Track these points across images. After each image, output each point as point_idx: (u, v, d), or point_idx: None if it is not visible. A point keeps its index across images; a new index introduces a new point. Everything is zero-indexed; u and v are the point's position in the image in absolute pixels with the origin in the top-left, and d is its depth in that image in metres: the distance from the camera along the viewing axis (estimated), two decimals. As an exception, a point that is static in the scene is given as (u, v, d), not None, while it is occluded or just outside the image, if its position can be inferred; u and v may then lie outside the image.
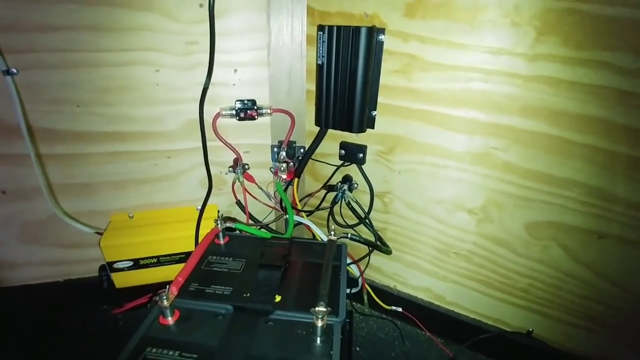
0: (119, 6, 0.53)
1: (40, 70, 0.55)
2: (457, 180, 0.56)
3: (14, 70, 0.53)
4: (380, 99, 0.58)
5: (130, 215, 0.66)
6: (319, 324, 0.41)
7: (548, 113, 0.47)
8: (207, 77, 0.54)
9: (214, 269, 0.52)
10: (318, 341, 0.42)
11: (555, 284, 0.55)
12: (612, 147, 0.45)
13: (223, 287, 0.48)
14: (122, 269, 0.62)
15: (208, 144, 0.61)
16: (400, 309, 0.67)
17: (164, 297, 0.43)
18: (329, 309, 0.42)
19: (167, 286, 0.45)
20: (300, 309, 0.45)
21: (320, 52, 0.55)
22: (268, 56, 0.60)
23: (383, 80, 0.56)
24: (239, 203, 0.69)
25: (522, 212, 0.53)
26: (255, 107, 0.62)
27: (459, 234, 0.60)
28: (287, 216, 0.63)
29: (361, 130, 0.58)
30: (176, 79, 0.59)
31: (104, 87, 0.58)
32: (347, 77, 0.54)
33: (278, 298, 0.47)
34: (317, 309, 0.41)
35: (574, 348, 0.58)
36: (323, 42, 0.54)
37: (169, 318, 0.43)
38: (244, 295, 0.47)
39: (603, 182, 0.47)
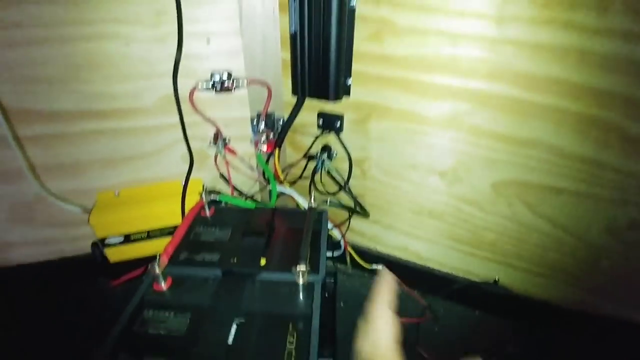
0: (79, -25, 0.51)
1: (5, 48, 0.53)
2: (429, 145, 0.59)
3: (-23, 48, 0.52)
4: (355, 67, 0.58)
5: (117, 192, 0.68)
6: (300, 281, 0.45)
7: (513, 76, 0.49)
8: (177, 49, 0.54)
9: (202, 238, 0.55)
10: (301, 297, 0.46)
11: (519, 237, 0.60)
12: (570, 107, 0.47)
13: (211, 255, 0.51)
14: (114, 244, 0.65)
15: (187, 118, 0.61)
16: (380, 267, 0.72)
17: (156, 265, 0.46)
18: (309, 267, 0.46)
19: (158, 255, 0.48)
20: (284, 270, 0.49)
21: (293, 19, 0.54)
22: (240, 25, 0.59)
23: (357, 46, 0.56)
24: (222, 176, 0.70)
25: (489, 173, 0.57)
26: (232, 79, 0.62)
27: (432, 196, 0.63)
28: (270, 187, 0.65)
29: (337, 97, 0.59)
30: (148, 53, 0.58)
31: (77, 63, 0.56)
32: (321, 45, 0.54)
33: (263, 262, 0.50)
34: (297, 268, 0.45)
35: (535, 294, 0.64)
36: (294, 10, 0.54)
37: (162, 284, 0.47)
38: (231, 260, 0.51)
39: (561, 140, 0.50)
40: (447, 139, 0.57)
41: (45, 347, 0.62)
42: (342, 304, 0.70)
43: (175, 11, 0.54)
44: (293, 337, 0.41)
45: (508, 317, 0.67)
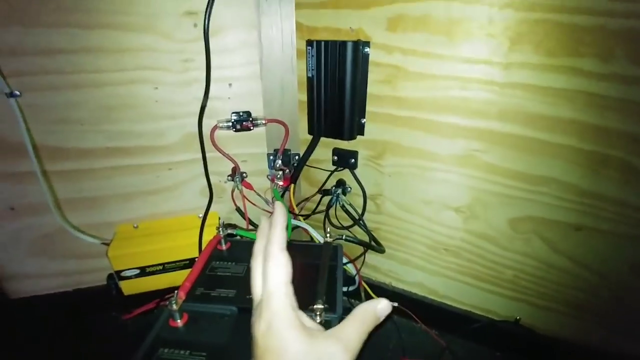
0: (118, 29, 0.56)
1: (44, 91, 0.57)
2: (443, 181, 0.60)
3: (17, 93, 0.55)
4: (368, 107, 0.61)
5: (135, 225, 0.69)
6: (317, 320, 0.44)
7: (523, 116, 0.50)
8: (204, 95, 0.57)
9: (218, 273, 0.55)
10: (317, 337, 0.45)
11: (539, 274, 0.59)
12: (583, 146, 0.48)
13: (227, 290, 0.51)
14: (129, 277, 0.65)
15: (207, 155, 0.64)
16: (396, 304, 0.70)
17: (173, 302, 0.46)
18: (326, 305, 0.45)
19: (176, 291, 0.48)
20: (300, 308, 0.48)
21: (310, 65, 0.58)
22: (260, 70, 0.63)
23: (370, 89, 0.60)
24: (238, 210, 0.72)
25: (505, 209, 0.57)
26: (251, 119, 0.65)
27: (448, 231, 0.63)
28: (285, 220, 0.66)
29: (352, 137, 0.62)
30: (174, 95, 0.62)
31: (107, 105, 0.61)
32: (336, 88, 0.58)
33: (279, 298, 0.50)
34: (314, 306, 0.44)
35: (559, 333, 0.62)
36: (312, 56, 0.57)
37: (178, 320, 0.47)
38: (248, 297, 0.50)
39: (575, 178, 0.50)
40: (462, 176, 0.58)
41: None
42: (357, 343, 0.68)
43: (200, 59, 0.58)
44: (310, 381, 0.40)
45: (531, 358, 0.64)
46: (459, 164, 0.57)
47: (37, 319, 0.71)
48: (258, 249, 0.29)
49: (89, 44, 0.56)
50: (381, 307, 0.29)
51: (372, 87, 0.59)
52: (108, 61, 0.58)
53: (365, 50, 0.57)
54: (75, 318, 0.71)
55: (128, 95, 0.61)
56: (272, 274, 0.27)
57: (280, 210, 0.30)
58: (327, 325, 0.46)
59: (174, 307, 0.46)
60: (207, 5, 0.52)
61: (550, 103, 0.48)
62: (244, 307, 0.49)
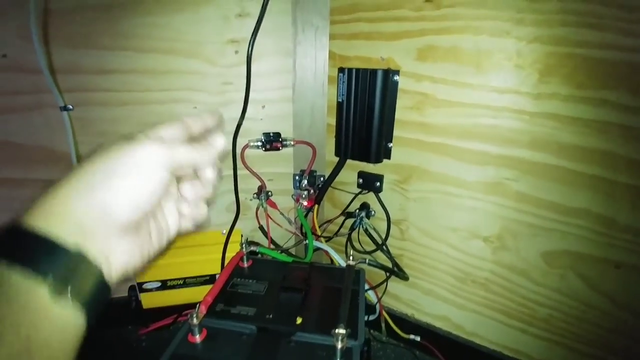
0: (167, 53, 0.62)
1: (94, 106, 0.62)
2: (471, 208, 0.59)
3: (70, 107, 0.61)
4: (395, 132, 0.62)
5: (161, 238, 0.70)
6: (339, 345, 0.43)
7: (555, 146, 0.50)
8: (241, 114, 0.61)
9: (239, 290, 0.54)
10: (338, 363, 0.43)
11: (576, 314, 0.55)
12: (618, 178, 0.47)
13: (247, 308, 0.51)
14: (150, 290, 0.65)
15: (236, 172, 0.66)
16: (418, 338, 0.67)
17: (194, 316, 0.46)
18: (348, 330, 0.43)
19: (197, 305, 0.48)
20: (321, 332, 0.46)
21: (341, 90, 0.61)
22: (293, 94, 0.67)
23: (398, 115, 0.61)
24: (261, 228, 0.72)
25: (538, 241, 0.55)
26: (280, 139, 0.67)
27: (476, 262, 0.61)
28: (307, 241, 0.66)
29: (378, 160, 0.62)
30: (211, 115, 0.66)
31: (148, 122, 0.64)
32: (365, 113, 0.60)
33: (299, 320, 0.48)
34: (337, 330, 0.43)
35: (600, 384, 0.56)
36: (343, 82, 0.60)
37: (197, 336, 0.46)
38: (267, 316, 0.49)
39: (612, 211, 0.48)
40: (491, 204, 0.57)
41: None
42: (375, 378, 0.64)
43: (238, 82, 0.62)
44: (331, 411, 0.38)
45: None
46: (488, 192, 0.56)
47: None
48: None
49: (139, 66, 0.62)
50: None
51: (400, 113, 0.61)
52: (155, 82, 0.63)
53: (395, 78, 0.59)
54: (91, 329, 0.71)
55: (169, 113, 0.65)
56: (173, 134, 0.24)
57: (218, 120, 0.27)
58: (348, 352, 0.45)
59: (195, 321, 0.46)
60: (252, 34, 0.57)
61: (581, 133, 0.48)
62: (264, 327, 0.48)
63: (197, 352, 0.45)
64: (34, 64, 0.55)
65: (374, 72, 0.57)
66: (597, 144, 0.47)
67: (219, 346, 0.46)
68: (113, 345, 0.69)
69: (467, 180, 0.58)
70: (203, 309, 0.48)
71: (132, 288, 0.68)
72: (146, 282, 0.65)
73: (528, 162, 0.52)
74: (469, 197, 0.58)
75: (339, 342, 0.43)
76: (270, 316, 0.49)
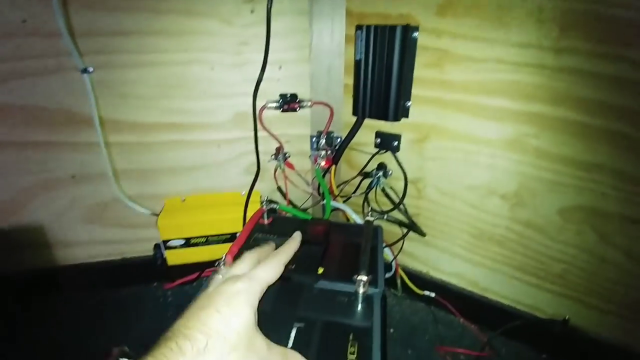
0: (184, 14, 0.61)
1: (113, 69, 0.63)
2: (489, 166, 0.59)
3: (90, 69, 0.61)
4: (414, 91, 0.62)
5: (183, 199, 0.73)
6: (361, 290, 0.44)
7: (575, 101, 0.49)
8: (261, 71, 0.61)
9: (260, 245, 0.56)
10: (359, 307, 0.45)
11: (591, 269, 0.56)
12: (635, 133, 0.47)
13: (270, 260, 0.53)
14: (175, 247, 0.68)
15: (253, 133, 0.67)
16: (433, 294, 0.69)
17: (221, 264, 0.48)
18: (370, 276, 0.45)
19: (223, 255, 0.50)
20: (342, 280, 0.48)
21: (359, 48, 0.60)
22: (310, 55, 0.66)
23: (417, 72, 0.60)
24: (279, 189, 0.74)
25: (555, 197, 0.55)
26: (297, 100, 0.67)
27: (492, 219, 0.62)
28: (325, 201, 0.67)
29: (396, 119, 0.62)
30: (228, 76, 0.66)
31: (166, 84, 0.65)
32: (383, 71, 0.59)
33: (320, 270, 0.50)
34: (358, 277, 0.44)
35: (613, 337, 0.57)
36: (361, 40, 0.60)
37: (224, 284, 0.48)
38: (289, 266, 0.51)
39: (630, 167, 0.48)
40: (509, 161, 0.57)
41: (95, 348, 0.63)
42: (391, 330, 0.66)
43: (254, 42, 0.62)
44: (354, 348, 0.40)
45: (581, 364, 0.60)
46: (506, 148, 0.56)
47: (84, 285, 0.75)
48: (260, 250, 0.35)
49: (156, 27, 0.61)
50: None
51: (419, 71, 0.60)
52: (172, 43, 0.63)
53: (414, 34, 0.58)
54: (120, 286, 0.75)
55: (186, 75, 0.65)
56: (266, 268, 0.31)
57: (297, 238, 0.38)
58: (369, 298, 0.46)
59: (222, 269, 0.48)
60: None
61: (601, 89, 0.47)
62: (287, 277, 0.49)
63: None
64: (53, 28, 0.56)
65: (392, 28, 0.56)
66: (615, 99, 0.47)
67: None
68: (141, 300, 0.72)
69: (486, 138, 0.57)
70: (229, 258, 0.51)
71: (157, 246, 0.71)
72: (171, 240, 0.68)
73: (548, 118, 0.52)
74: (488, 155, 0.58)
75: (361, 288, 0.45)
76: (293, 266, 0.51)
